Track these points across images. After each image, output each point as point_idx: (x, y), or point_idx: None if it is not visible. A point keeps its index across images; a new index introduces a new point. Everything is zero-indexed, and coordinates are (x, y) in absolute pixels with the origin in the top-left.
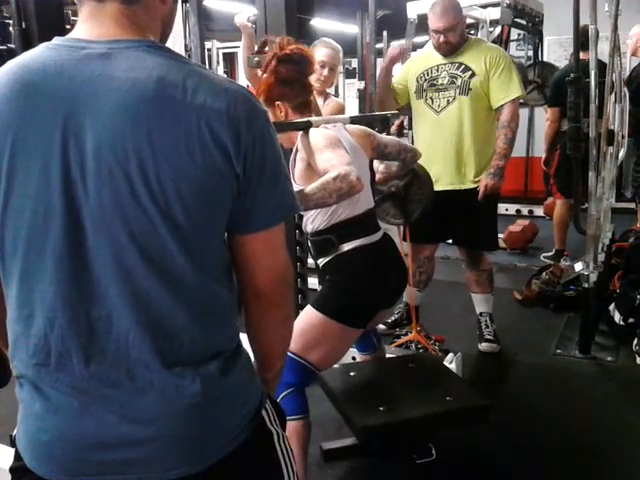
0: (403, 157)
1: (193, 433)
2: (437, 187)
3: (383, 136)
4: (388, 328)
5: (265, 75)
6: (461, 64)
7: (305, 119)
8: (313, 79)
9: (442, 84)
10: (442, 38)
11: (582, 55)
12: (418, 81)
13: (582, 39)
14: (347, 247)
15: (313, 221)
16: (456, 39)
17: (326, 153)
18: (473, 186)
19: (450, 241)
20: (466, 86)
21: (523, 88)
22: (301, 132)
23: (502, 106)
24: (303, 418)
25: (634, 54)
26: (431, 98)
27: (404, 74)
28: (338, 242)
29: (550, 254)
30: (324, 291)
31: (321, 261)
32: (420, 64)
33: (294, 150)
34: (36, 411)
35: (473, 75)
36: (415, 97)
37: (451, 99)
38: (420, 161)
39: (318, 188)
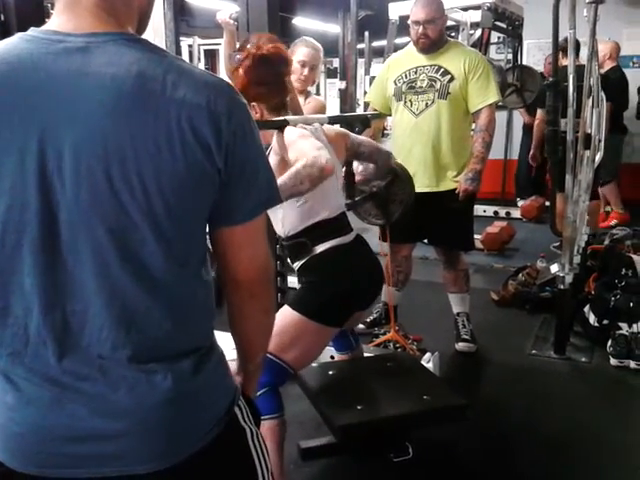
0: (376, 158)
1: (164, 429)
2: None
3: (357, 136)
4: (367, 327)
5: (240, 74)
6: (440, 67)
7: (282, 118)
8: (293, 78)
9: (421, 87)
10: (421, 29)
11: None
12: (396, 84)
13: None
14: (321, 248)
15: (284, 225)
16: (435, 35)
17: (298, 143)
18: (450, 187)
19: (426, 241)
20: (445, 90)
21: (500, 92)
22: (276, 131)
23: (479, 110)
24: (278, 417)
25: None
26: (410, 100)
27: (380, 82)
28: (311, 245)
29: (558, 243)
30: (300, 292)
31: (296, 265)
32: (397, 67)
33: (270, 148)
34: (7, 402)
35: (452, 79)
36: (394, 100)
37: (430, 102)
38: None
39: (290, 177)
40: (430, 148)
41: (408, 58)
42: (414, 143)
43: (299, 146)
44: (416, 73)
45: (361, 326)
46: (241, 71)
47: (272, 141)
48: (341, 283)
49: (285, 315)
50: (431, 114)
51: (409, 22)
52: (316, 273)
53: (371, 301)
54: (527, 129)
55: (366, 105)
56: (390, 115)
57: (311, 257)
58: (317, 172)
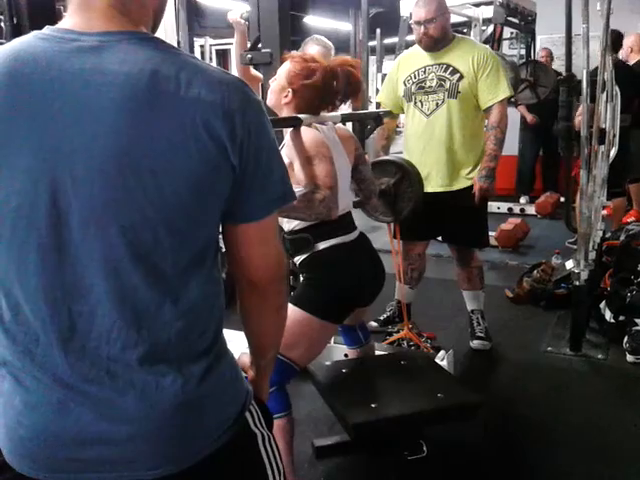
0: (364, 187)
1: (173, 434)
2: (428, 189)
3: (367, 158)
4: (380, 325)
5: (306, 61)
6: (448, 66)
7: (295, 115)
8: None
9: (430, 87)
10: (422, 29)
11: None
12: (405, 84)
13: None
14: (323, 245)
15: (289, 220)
16: (437, 33)
17: (312, 166)
18: (464, 186)
19: (440, 238)
20: (455, 89)
21: (511, 87)
22: (291, 129)
23: (491, 107)
24: (287, 415)
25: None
26: (420, 101)
27: (390, 82)
28: (314, 241)
29: (573, 239)
30: (301, 288)
31: (298, 259)
32: (406, 67)
33: (282, 143)
34: (16, 405)
35: (461, 78)
36: (405, 100)
37: (440, 102)
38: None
39: (305, 205)
40: (443, 148)
41: (416, 57)
42: (426, 143)
43: (313, 171)
44: (425, 73)
45: (374, 324)
46: (313, 66)
47: (286, 136)
48: (341, 280)
49: (289, 313)
50: (442, 114)
51: (411, 22)
52: (317, 270)
53: (372, 298)
54: (528, 126)
55: (378, 105)
56: (402, 113)
57: (313, 253)
58: (325, 213)
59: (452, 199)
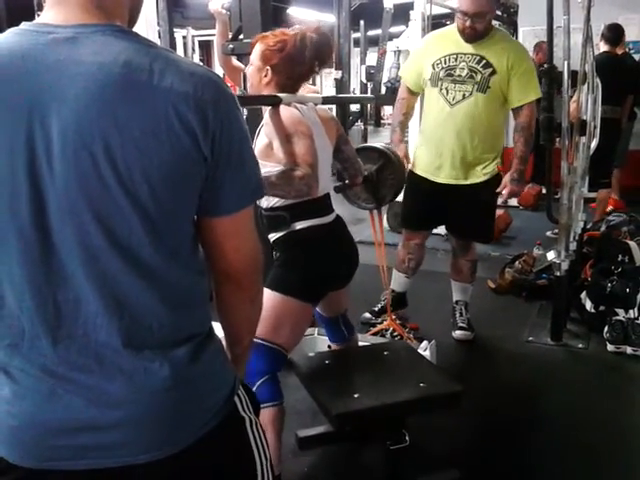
0: (348, 166)
1: (162, 418)
2: (440, 179)
3: (348, 138)
4: (375, 316)
5: (276, 35)
6: (482, 58)
7: (275, 94)
8: None
9: (460, 76)
10: (468, 22)
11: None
12: (434, 68)
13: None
14: (300, 226)
15: (268, 198)
16: (482, 28)
17: (292, 144)
18: (478, 180)
19: (435, 231)
20: (485, 83)
21: (540, 89)
22: (270, 108)
23: (520, 107)
24: (279, 404)
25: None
26: (446, 89)
27: (416, 60)
28: (291, 220)
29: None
30: (276, 271)
31: (272, 236)
32: (435, 49)
33: (262, 122)
34: (5, 396)
35: (494, 73)
36: (429, 84)
37: (467, 94)
38: (427, 152)
39: (285, 182)
40: (462, 140)
41: (449, 42)
42: (445, 133)
43: (293, 149)
44: (456, 60)
45: (368, 315)
46: (284, 37)
47: (265, 115)
48: (317, 262)
49: (266, 298)
50: (467, 106)
51: (456, 10)
52: (292, 250)
53: (345, 282)
54: None
55: (398, 80)
56: (419, 94)
57: (289, 232)
58: (306, 190)
59: (465, 193)
